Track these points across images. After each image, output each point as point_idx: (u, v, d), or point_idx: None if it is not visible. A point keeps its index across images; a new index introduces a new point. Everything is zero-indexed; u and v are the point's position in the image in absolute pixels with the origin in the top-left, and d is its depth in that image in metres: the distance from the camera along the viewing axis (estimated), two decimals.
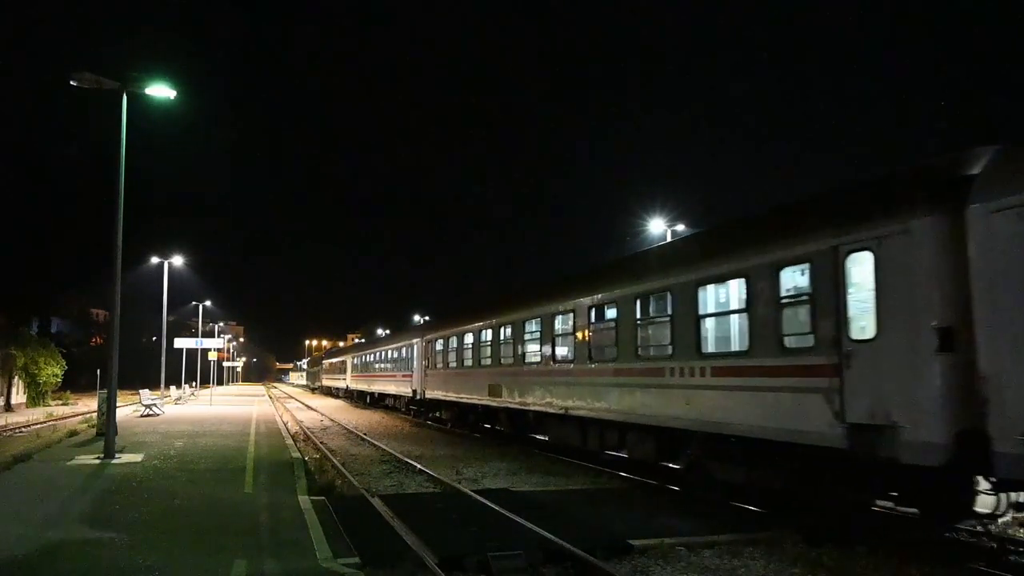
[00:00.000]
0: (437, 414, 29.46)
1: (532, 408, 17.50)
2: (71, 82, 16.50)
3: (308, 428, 28.56)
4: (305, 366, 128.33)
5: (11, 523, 9.39)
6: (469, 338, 22.72)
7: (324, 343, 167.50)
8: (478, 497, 11.68)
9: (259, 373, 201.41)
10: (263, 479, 13.38)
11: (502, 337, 19.94)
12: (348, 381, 53.30)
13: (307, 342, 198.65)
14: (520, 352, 18.42)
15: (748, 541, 9.02)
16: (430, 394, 28.30)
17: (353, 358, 52.50)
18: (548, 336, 16.94)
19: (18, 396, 46.05)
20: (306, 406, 49.00)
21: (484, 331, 21.36)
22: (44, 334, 61.81)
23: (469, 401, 22.91)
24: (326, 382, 70.96)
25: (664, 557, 8.43)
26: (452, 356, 25.04)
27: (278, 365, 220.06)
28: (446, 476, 14.45)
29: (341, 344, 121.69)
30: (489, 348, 20.81)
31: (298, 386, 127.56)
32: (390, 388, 37.66)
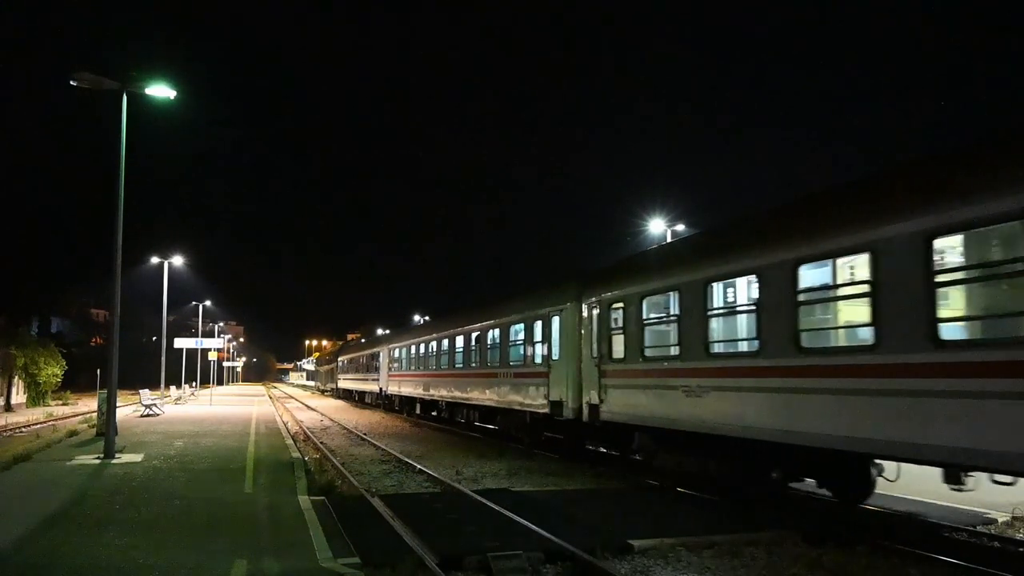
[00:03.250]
0: (633, 451, 15.08)
1: None
2: (71, 82, 16.52)
3: (308, 428, 28.58)
4: (310, 364, 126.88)
5: (11, 523, 9.39)
6: (825, 275, 9.48)
7: (324, 343, 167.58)
8: (478, 497, 11.69)
9: (259, 373, 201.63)
10: (263, 479, 13.38)
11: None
12: (383, 382, 38.37)
13: (307, 342, 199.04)
14: None
15: (748, 541, 9.00)
16: (611, 410, 14.32)
17: (395, 348, 36.27)
18: None
19: (18, 396, 46.07)
20: (306, 406, 49.07)
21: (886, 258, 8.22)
22: (44, 334, 61.85)
23: (804, 442, 9.38)
24: (345, 384, 54.20)
25: (664, 557, 8.44)
26: (740, 326, 11.21)
27: (278, 365, 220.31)
28: (446, 476, 14.45)
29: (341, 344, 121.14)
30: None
31: (298, 386, 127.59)
32: (480, 395, 22.21)
